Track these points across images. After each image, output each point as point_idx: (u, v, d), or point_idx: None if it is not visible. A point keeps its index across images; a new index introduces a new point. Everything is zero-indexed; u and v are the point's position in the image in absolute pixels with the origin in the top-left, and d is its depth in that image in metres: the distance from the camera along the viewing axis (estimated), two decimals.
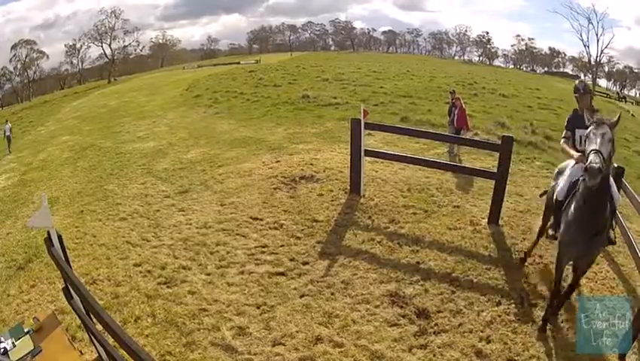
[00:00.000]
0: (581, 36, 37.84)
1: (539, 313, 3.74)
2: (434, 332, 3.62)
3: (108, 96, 26.71)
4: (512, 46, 45.04)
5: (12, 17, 39.98)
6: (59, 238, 2.74)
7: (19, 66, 38.93)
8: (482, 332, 3.60)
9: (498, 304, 3.93)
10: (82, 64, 42.90)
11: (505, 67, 44.40)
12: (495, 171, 5.31)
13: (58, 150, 12.37)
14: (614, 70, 38.72)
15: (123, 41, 44.05)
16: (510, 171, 5.28)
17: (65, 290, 2.97)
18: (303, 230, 5.38)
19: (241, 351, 3.46)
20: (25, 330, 2.90)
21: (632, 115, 22.56)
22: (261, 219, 5.70)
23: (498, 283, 4.24)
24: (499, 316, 3.78)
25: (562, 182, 3.64)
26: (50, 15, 41.48)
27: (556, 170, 4.03)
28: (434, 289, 4.16)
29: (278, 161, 8.12)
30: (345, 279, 4.34)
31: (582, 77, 38.28)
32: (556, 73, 41.20)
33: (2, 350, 2.72)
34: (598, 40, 37.27)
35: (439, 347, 3.46)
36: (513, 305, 3.90)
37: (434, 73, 27.23)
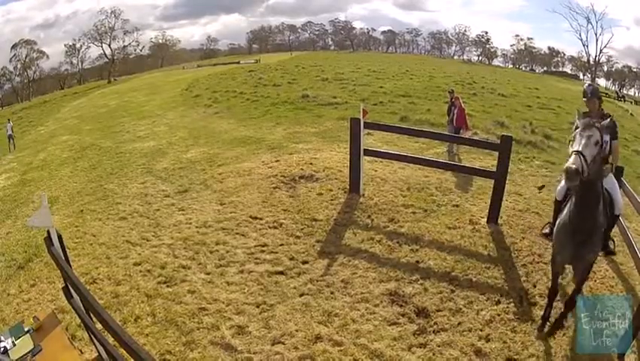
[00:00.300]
0: (580, 36, 37.89)
1: (538, 313, 3.75)
2: (433, 331, 3.63)
3: (108, 96, 26.70)
4: (511, 45, 45.08)
5: (12, 17, 39.98)
6: (59, 237, 2.74)
7: (19, 66, 38.93)
8: (481, 330, 3.61)
9: (498, 303, 3.94)
10: (82, 64, 42.93)
11: (504, 66, 44.41)
12: (495, 170, 5.32)
13: (58, 149, 12.37)
14: (613, 69, 38.76)
15: (123, 41, 44.07)
16: (509, 170, 5.29)
17: (65, 289, 2.97)
18: (302, 229, 5.39)
19: (240, 350, 3.47)
20: (25, 329, 2.90)
21: (631, 114, 22.53)
22: (261, 219, 5.71)
23: (498, 282, 4.24)
24: (498, 315, 3.79)
25: (562, 182, 3.61)
26: (50, 15, 41.49)
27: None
28: (434, 288, 4.17)
29: (277, 160, 8.12)
30: (344, 278, 4.35)
31: (581, 76, 38.33)
32: (555, 72, 41.24)
33: (2, 349, 2.71)
34: (597, 40, 37.33)
35: (438, 346, 3.46)
36: (513, 304, 3.91)
37: (434, 72, 27.23)
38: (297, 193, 6.47)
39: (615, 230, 4.81)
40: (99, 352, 3.09)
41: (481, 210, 5.76)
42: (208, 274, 4.53)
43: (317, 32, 51.61)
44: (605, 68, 39.05)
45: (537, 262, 4.54)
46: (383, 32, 50.55)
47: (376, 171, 7.26)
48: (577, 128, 3.80)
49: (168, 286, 4.34)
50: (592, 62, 38.58)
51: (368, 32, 50.83)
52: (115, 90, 29.99)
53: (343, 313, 3.85)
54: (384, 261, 4.64)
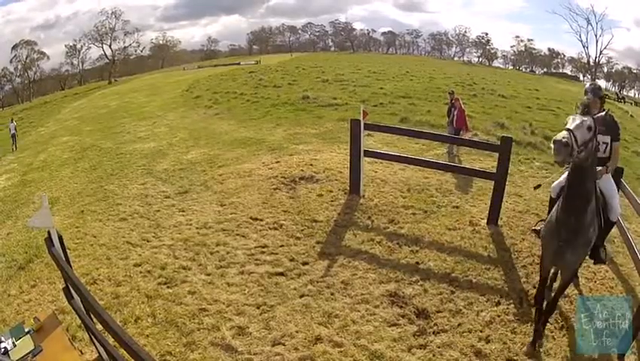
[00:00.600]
0: (580, 37, 37.98)
1: None
2: (433, 332, 3.63)
3: (109, 97, 26.75)
4: (511, 47, 45.21)
5: (12, 18, 40.11)
6: (60, 238, 2.75)
7: (19, 67, 39.04)
8: (481, 331, 3.61)
9: (498, 304, 3.94)
10: (82, 65, 43.06)
11: (504, 68, 44.50)
12: (495, 171, 5.33)
13: (58, 150, 12.39)
14: (613, 71, 38.83)
15: (124, 42, 44.23)
16: (509, 171, 5.29)
17: (66, 290, 2.97)
18: (302, 230, 5.39)
19: (241, 351, 3.47)
20: (26, 330, 2.90)
21: (631, 116, 22.53)
22: (261, 220, 5.71)
23: (497, 284, 4.25)
24: (498, 316, 3.79)
25: (559, 179, 3.55)
26: (50, 16, 41.62)
27: None
28: (434, 289, 4.17)
29: (278, 161, 8.13)
30: (344, 279, 4.35)
31: (582, 78, 38.34)
32: (555, 74, 41.31)
33: (3, 349, 2.72)
34: (597, 41, 37.41)
35: (438, 347, 3.46)
36: (512, 305, 3.91)
37: (434, 74, 27.27)
38: (298, 194, 6.48)
39: (615, 232, 4.83)
40: (99, 353, 3.09)
41: (481, 211, 5.76)
42: (208, 275, 4.53)
43: (317, 33, 51.77)
44: (605, 70, 39.13)
45: (538, 264, 4.53)
46: (383, 33, 50.71)
47: (376, 172, 7.27)
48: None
49: (168, 287, 4.35)
50: (592, 64, 38.64)
51: (368, 33, 50.99)
52: (116, 91, 30.05)
53: (343, 314, 3.86)
54: (384, 262, 4.65)
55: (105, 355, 2.95)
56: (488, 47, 46.12)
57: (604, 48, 37.74)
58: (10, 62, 38.69)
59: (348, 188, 6.40)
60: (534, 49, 44.09)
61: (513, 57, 45.50)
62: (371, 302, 4.00)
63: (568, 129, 2.67)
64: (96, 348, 3.13)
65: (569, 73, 41.60)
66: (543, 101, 19.83)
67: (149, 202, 6.66)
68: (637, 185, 7.97)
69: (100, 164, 9.47)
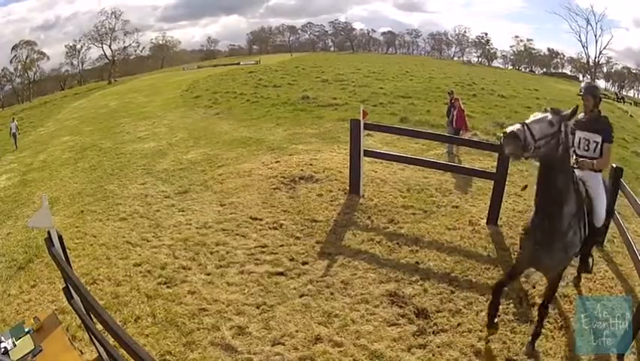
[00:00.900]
0: (580, 37, 38.02)
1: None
2: (433, 332, 3.63)
3: (108, 97, 26.75)
4: (511, 47, 45.27)
5: (12, 18, 40.14)
6: (60, 238, 2.76)
7: (19, 67, 39.06)
8: (481, 331, 3.61)
9: None
10: (82, 65, 43.11)
11: (504, 68, 44.55)
12: (494, 171, 5.33)
13: (58, 150, 12.39)
14: (613, 71, 38.87)
15: (123, 42, 44.27)
16: (509, 171, 5.29)
17: (66, 290, 2.98)
18: (302, 230, 5.39)
19: (241, 351, 3.47)
20: (26, 330, 2.91)
21: (631, 116, 22.55)
22: (261, 220, 5.71)
23: None
24: (498, 315, 3.79)
25: None
26: (50, 16, 41.65)
27: None
28: (433, 289, 4.17)
29: (277, 161, 8.13)
30: (344, 279, 4.35)
31: (581, 78, 38.37)
32: (554, 74, 41.37)
33: (3, 349, 2.73)
34: (596, 41, 37.46)
35: (438, 347, 3.47)
36: (512, 305, 3.91)
37: (433, 74, 27.30)
38: (297, 194, 6.48)
39: (614, 231, 4.83)
40: (99, 352, 3.10)
41: (481, 211, 5.77)
42: (208, 274, 4.53)
43: (317, 33, 51.82)
44: (605, 70, 39.18)
45: None
46: (383, 33, 50.77)
47: (375, 172, 7.27)
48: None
49: (168, 287, 4.35)
50: (591, 64, 38.68)
51: (368, 33, 51.05)
52: (115, 91, 30.05)
53: (343, 314, 3.86)
54: (384, 262, 4.65)
55: (104, 355, 2.95)
56: (487, 47, 46.17)
57: (604, 48, 37.81)
58: (10, 62, 38.75)
59: (347, 188, 6.40)
60: (534, 49, 44.17)
61: (512, 57, 45.57)
62: (371, 302, 4.01)
63: (523, 123, 2.59)
64: (96, 348, 3.14)
65: (569, 73, 41.66)
66: (542, 101, 19.81)
67: (149, 202, 6.66)
68: (637, 185, 7.98)
69: (100, 164, 9.47)
